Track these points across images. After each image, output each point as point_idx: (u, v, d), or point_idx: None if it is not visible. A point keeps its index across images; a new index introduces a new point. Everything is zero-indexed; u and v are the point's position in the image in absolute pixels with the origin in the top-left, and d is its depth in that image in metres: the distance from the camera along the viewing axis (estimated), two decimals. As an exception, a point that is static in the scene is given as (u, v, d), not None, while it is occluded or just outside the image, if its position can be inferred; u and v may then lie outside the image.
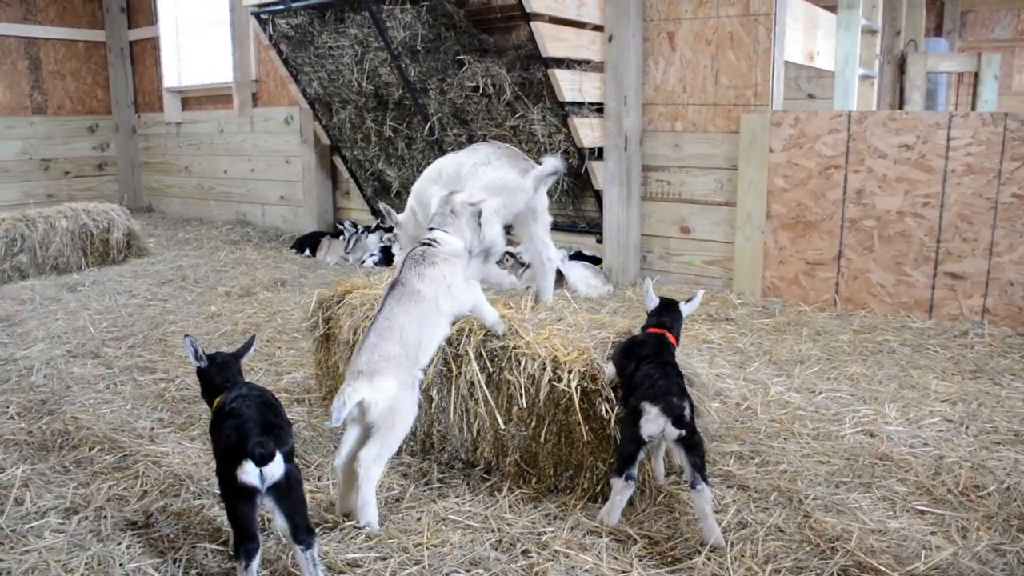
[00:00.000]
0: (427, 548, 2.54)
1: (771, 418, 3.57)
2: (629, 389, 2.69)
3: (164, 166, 10.66)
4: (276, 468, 2.21)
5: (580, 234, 6.72)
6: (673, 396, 2.53)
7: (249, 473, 2.18)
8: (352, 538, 2.60)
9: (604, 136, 6.05)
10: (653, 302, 3.02)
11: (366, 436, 2.70)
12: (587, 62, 5.89)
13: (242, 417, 2.32)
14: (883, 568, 2.40)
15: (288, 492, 2.25)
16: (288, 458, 2.27)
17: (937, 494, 2.87)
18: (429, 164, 5.65)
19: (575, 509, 2.77)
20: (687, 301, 3.03)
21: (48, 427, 3.52)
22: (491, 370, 2.98)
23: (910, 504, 2.81)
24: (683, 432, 2.50)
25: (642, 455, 2.61)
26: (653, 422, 2.51)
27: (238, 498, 2.23)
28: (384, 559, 2.49)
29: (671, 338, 2.88)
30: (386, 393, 2.65)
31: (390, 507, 2.81)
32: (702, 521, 2.53)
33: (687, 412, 2.51)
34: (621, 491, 2.60)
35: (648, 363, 2.68)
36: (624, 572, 2.42)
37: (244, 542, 2.24)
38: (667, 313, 2.97)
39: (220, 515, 2.75)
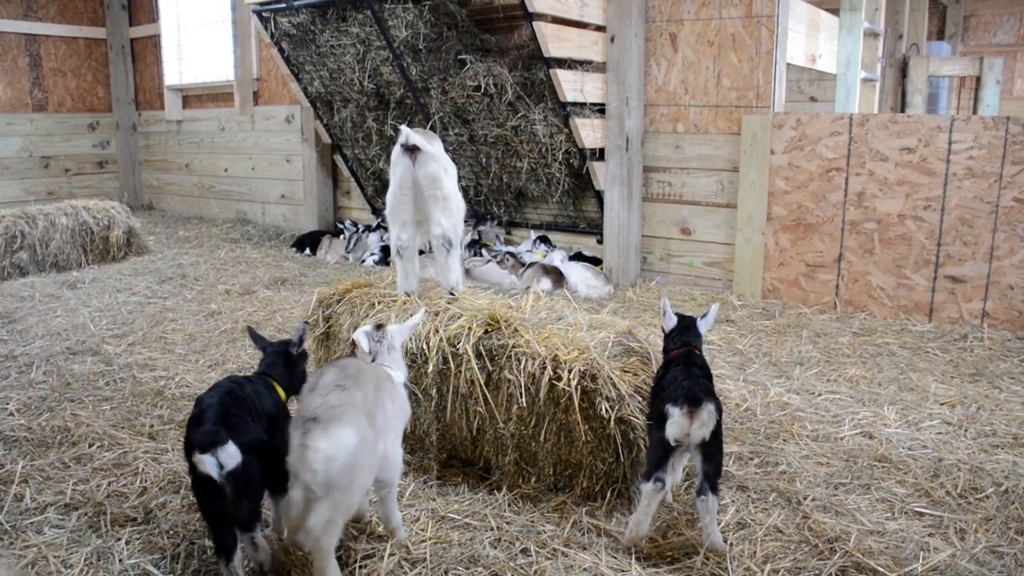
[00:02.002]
0: (427, 545, 2.54)
1: (770, 419, 3.57)
2: (656, 395, 2.64)
3: (164, 164, 10.66)
4: (230, 457, 2.13)
5: (581, 235, 6.72)
6: (697, 392, 2.46)
7: (203, 462, 2.11)
8: (352, 537, 2.60)
9: (605, 137, 6.05)
10: (672, 321, 2.91)
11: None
12: (589, 62, 5.90)
13: (200, 407, 2.26)
14: (881, 569, 2.40)
15: (246, 484, 2.19)
16: (249, 450, 2.19)
17: (935, 496, 2.88)
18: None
19: (574, 508, 2.77)
20: (702, 317, 2.92)
21: (48, 424, 3.52)
22: (491, 369, 2.98)
23: (908, 506, 2.81)
24: (705, 437, 2.42)
25: (671, 459, 2.51)
26: (677, 424, 2.42)
27: (200, 491, 2.20)
28: (383, 557, 2.49)
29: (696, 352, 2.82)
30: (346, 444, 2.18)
31: (389, 505, 2.81)
32: (704, 527, 2.51)
33: (706, 397, 2.44)
34: (651, 496, 2.47)
35: (676, 366, 2.62)
36: (623, 571, 2.42)
37: (219, 537, 2.23)
38: (688, 333, 2.86)
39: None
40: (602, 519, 2.71)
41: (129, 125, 10.98)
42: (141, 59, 10.77)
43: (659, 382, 2.69)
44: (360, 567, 2.43)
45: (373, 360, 2.62)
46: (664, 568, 2.44)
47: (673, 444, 2.45)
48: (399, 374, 2.66)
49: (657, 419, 2.51)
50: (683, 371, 2.59)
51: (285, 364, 2.68)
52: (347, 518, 2.27)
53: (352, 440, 2.16)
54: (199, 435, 2.14)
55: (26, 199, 9.75)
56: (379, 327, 2.70)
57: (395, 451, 2.46)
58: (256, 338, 2.78)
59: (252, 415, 2.33)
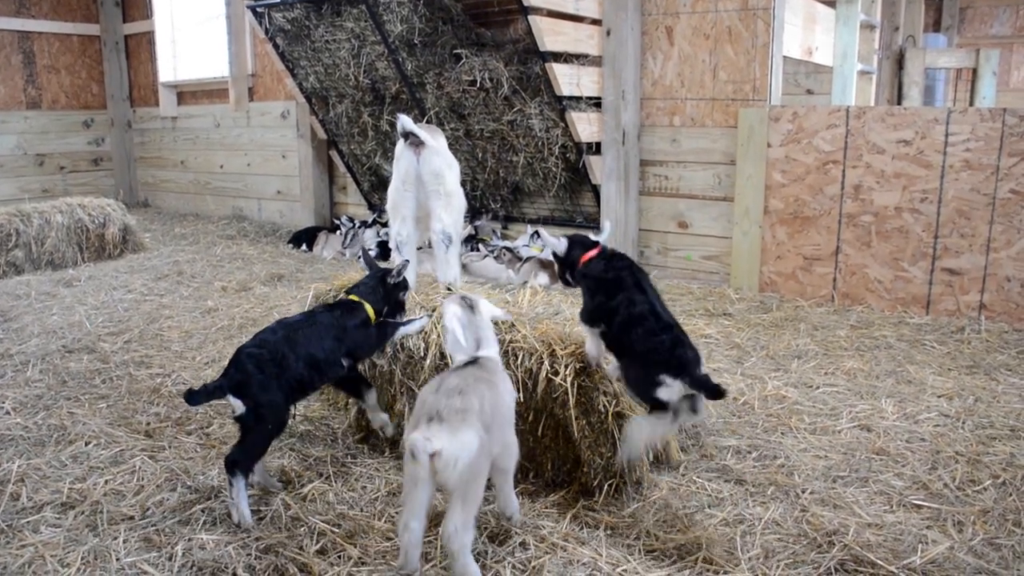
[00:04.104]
0: (426, 541, 2.53)
1: (768, 413, 3.57)
2: (621, 346, 2.58)
3: (160, 161, 10.62)
4: (236, 404, 2.64)
5: (578, 229, 6.71)
6: (696, 365, 2.41)
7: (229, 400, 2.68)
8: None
9: (602, 131, 6.04)
10: (560, 245, 2.73)
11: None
12: (585, 56, 5.88)
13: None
14: (880, 562, 2.40)
15: (244, 429, 2.68)
16: (253, 405, 2.64)
17: (933, 488, 2.88)
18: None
19: (572, 503, 2.77)
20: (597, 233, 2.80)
21: (44, 422, 3.51)
22: (488, 364, 2.97)
23: (906, 498, 2.81)
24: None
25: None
26: (673, 390, 2.40)
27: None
28: (383, 553, 2.48)
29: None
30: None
31: (388, 500, 2.81)
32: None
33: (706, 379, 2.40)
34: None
35: (634, 302, 2.54)
36: (621, 565, 2.42)
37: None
38: (582, 247, 2.69)
39: (217, 508, 2.75)
40: (601, 513, 2.71)
41: (124, 122, 10.93)
42: (135, 55, 10.73)
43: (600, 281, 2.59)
44: (372, 571, 2.43)
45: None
46: (664, 562, 2.43)
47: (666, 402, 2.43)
48: (494, 351, 2.58)
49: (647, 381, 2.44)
50: (673, 337, 2.54)
51: (380, 290, 3.06)
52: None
53: (475, 444, 2.21)
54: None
55: (21, 197, 9.71)
56: (471, 306, 2.59)
57: (513, 439, 2.48)
58: (369, 263, 3.16)
59: (275, 367, 2.70)
